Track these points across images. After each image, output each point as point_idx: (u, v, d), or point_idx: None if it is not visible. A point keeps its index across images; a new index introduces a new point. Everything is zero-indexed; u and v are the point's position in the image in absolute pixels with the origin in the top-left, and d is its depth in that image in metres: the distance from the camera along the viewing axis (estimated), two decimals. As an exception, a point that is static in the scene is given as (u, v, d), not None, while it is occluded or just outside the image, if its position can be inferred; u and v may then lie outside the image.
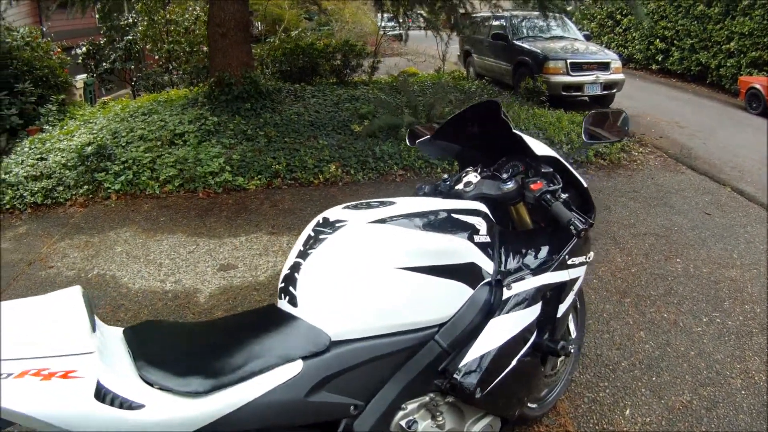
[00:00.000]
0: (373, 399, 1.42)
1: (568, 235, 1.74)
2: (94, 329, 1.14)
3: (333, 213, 1.57)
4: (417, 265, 1.44)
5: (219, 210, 4.88)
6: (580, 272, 1.93)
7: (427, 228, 1.53)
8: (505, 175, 1.85)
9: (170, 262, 3.97)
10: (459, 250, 1.55)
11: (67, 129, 6.64)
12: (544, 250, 1.81)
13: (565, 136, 6.43)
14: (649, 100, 9.96)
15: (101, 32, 9.72)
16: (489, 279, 1.64)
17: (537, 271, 1.74)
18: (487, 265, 1.63)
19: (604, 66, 8.86)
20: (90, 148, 5.62)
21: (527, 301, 1.67)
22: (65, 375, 1.04)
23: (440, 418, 1.55)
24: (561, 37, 9.97)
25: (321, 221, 1.56)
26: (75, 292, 1.21)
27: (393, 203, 1.60)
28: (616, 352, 2.83)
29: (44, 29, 9.53)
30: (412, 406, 1.51)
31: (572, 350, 2.18)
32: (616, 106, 9.23)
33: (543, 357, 1.82)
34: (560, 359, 2.23)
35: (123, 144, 5.89)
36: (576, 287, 1.94)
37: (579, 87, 8.75)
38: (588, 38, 10.56)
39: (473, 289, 1.59)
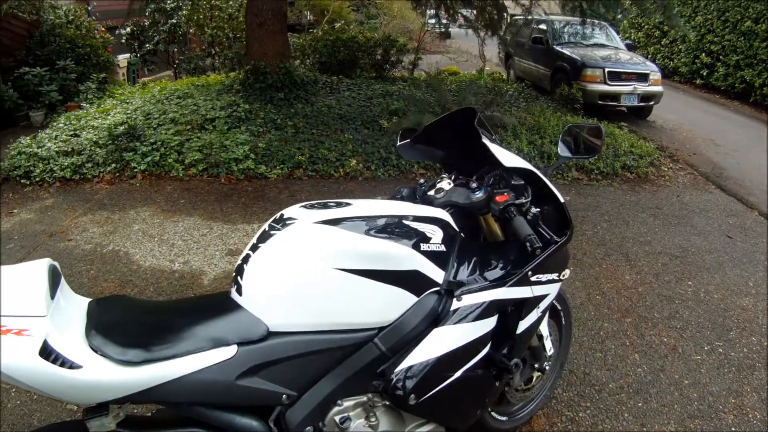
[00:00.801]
0: (308, 392, 1.46)
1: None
2: (52, 297, 1.27)
3: (289, 211, 1.60)
4: (356, 267, 1.45)
5: (238, 196, 4.94)
6: (548, 290, 1.86)
7: (372, 233, 1.52)
8: (474, 185, 1.80)
9: (182, 243, 4.04)
10: (401, 257, 1.52)
11: (103, 107, 6.81)
12: (509, 264, 1.75)
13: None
14: (689, 114, 9.60)
15: (146, 14, 9.94)
16: (438, 288, 1.60)
17: (493, 284, 1.68)
18: (436, 274, 1.60)
19: (643, 77, 8.57)
20: (121, 127, 5.75)
21: (478, 313, 1.62)
22: (19, 332, 1.18)
23: (374, 419, 1.54)
24: (602, 45, 9.69)
25: (278, 217, 1.59)
26: (42, 264, 1.32)
27: (349, 205, 1.61)
28: (606, 373, 2.74)
29: (89, 8, 9.76)
30: (348, 403, 1.52)
31: (546, 367, 2.13)
32: (654, 119, 9.03)
33: (499, 372, 1.77)
34: (536, 375, 2.19)
35: (154, 126, 6.01)
36: (543, 305, 1.86)
37: (615, 97, 8.48)
38: (631, 48, 10.23)
39: (417, 296, 1.56)
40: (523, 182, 1.75)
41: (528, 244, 1.55)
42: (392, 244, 1.52)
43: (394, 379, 1.50)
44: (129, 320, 1.40)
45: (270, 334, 1.40)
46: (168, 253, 3.88)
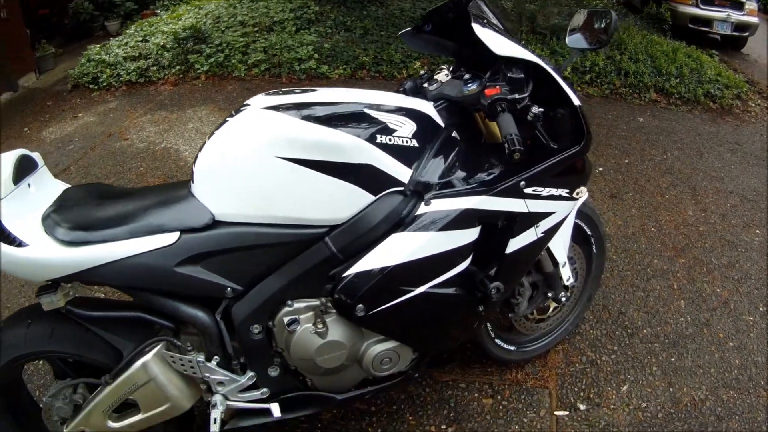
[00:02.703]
0: (255, 287, 1.36)
1: (541, 156, 1.44)
2: (16, 182, 1.31)
3: (253, 98, 1.44)
4: (299, 157, 1.29)
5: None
6: (551, 207, 1.54)
7: (322, 120, 1.33)
8: (468, 76, 1.50)
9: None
10: (349, 147, 1.31)
11: (176, 13, 6.67)
12: (499, 171, 1.46)
13: (676, 69, 5.49)
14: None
15: None
16: (402, 189, 1.37)
17: (473, 191, 1.40)
18: (398, 172, 1.36)
19: (738, 5, 7.54)
20: (187, 31, 5.62)
21: (451, 223, 1.37)
22: None
23: (321, 326, 1.38)
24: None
25: (240, 106, 1.42)
26: (11, 154, 1.34)
27: (314, 91, 1.43)
28: (643, 316, 2.40)
29: None
30: (299, 305, 1.39)
31: (563, 298, 1.85)
32: (748, 52, 7.92)
33: (485, 296, 1.49)
34: (552, 305, 1.92)
35: (222, 29, 5.85)
36: (544, 225, 1.55)
37: (707, 22, 7.50)
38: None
39: (374, 195, 1.35)
40: (522, 76, 1.40)
41: (506, 144, 1.26)
42: (339, 132, 1.31)
43: (340, 285, 1.34)
44: (87, 205, 1.37)
45: (215, 224, 1.31)
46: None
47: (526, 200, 1.48)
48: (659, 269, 2.75)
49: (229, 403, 1.42)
